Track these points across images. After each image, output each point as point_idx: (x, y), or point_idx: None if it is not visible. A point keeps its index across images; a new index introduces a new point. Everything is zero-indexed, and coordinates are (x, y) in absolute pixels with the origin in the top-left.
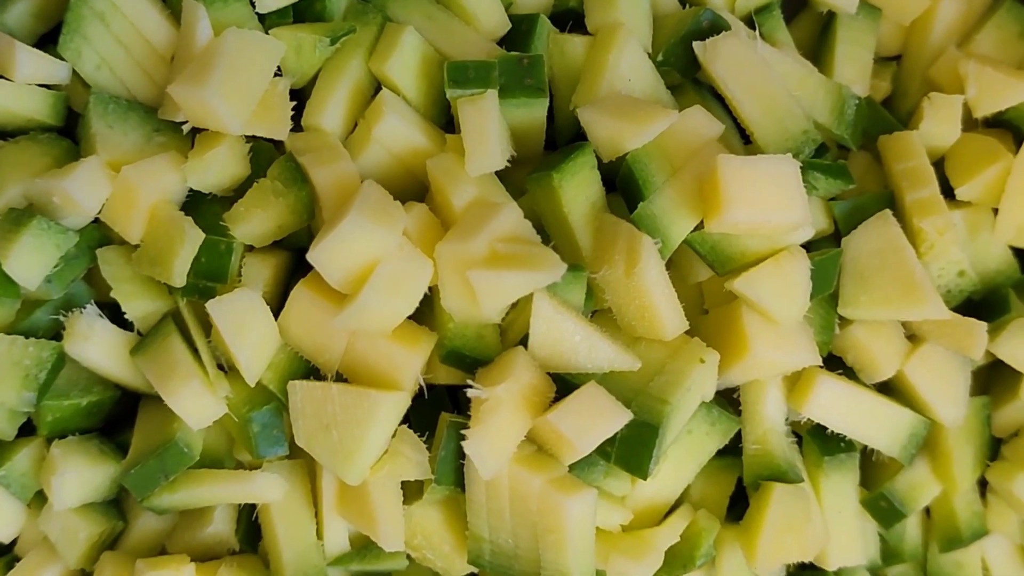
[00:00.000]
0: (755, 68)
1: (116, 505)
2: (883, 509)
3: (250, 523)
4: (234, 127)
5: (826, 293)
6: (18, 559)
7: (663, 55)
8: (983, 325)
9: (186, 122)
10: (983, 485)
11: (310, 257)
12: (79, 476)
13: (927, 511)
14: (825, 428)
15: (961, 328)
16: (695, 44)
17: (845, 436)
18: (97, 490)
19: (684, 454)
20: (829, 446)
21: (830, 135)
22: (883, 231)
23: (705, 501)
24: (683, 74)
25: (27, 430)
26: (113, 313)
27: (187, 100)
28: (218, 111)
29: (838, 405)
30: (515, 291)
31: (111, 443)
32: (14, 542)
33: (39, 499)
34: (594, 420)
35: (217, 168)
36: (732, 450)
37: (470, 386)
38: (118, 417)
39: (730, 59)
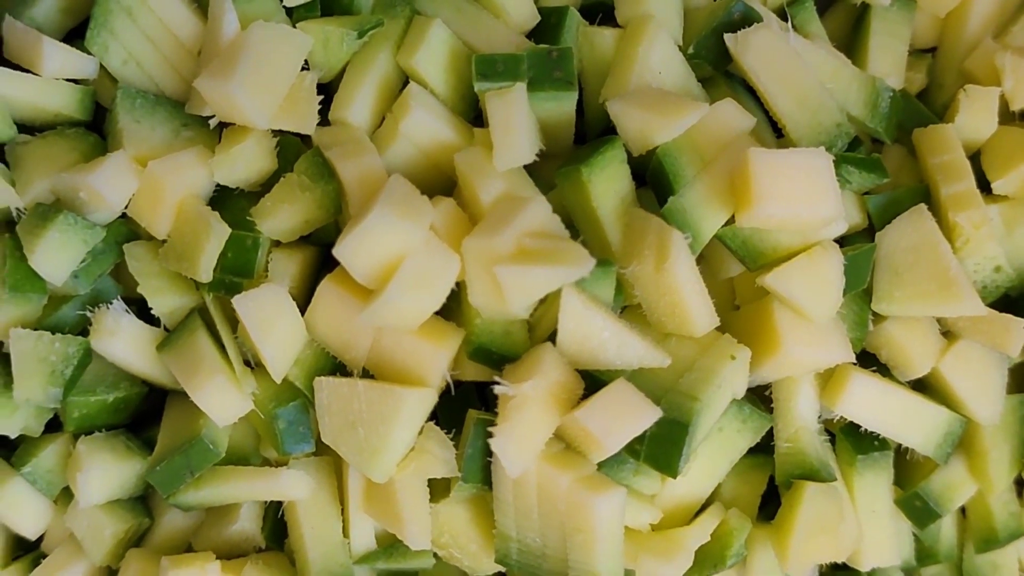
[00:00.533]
0: (787, 60)
1: (143, 502)
2: (918, 509)
3: (276, 520)
4: (261, 121)
5: (859, 289)
6: (44, 556)
7: (694, 47)
8: (1021, 321)
9: (213, 116)
10: (1020, 485)
11: (336, 252)
12: (105, 472)
13: (962, 511)
14: (858, 426)
15: (998, 324)
16: (726, 36)
17: (879, 434)
18: (123, 487)
19: (715, 452)
20: (863, 444)
21: (864, 128)
22: (918, 226)
23: (736, 500)
24: (714, 67)
25: (53, 426)
26: (140, 309)
27: (214, 94)
28: (244, 105)
29: (872, 403)
30: (543, 286)
31: (138, 439)
32: (40, 539)
33: (65, 496)
34: (623, 417)
35: (244, 163)
36: (764, 448)
37: (497, 383)
38: (145, 413)
39: (762, 51)
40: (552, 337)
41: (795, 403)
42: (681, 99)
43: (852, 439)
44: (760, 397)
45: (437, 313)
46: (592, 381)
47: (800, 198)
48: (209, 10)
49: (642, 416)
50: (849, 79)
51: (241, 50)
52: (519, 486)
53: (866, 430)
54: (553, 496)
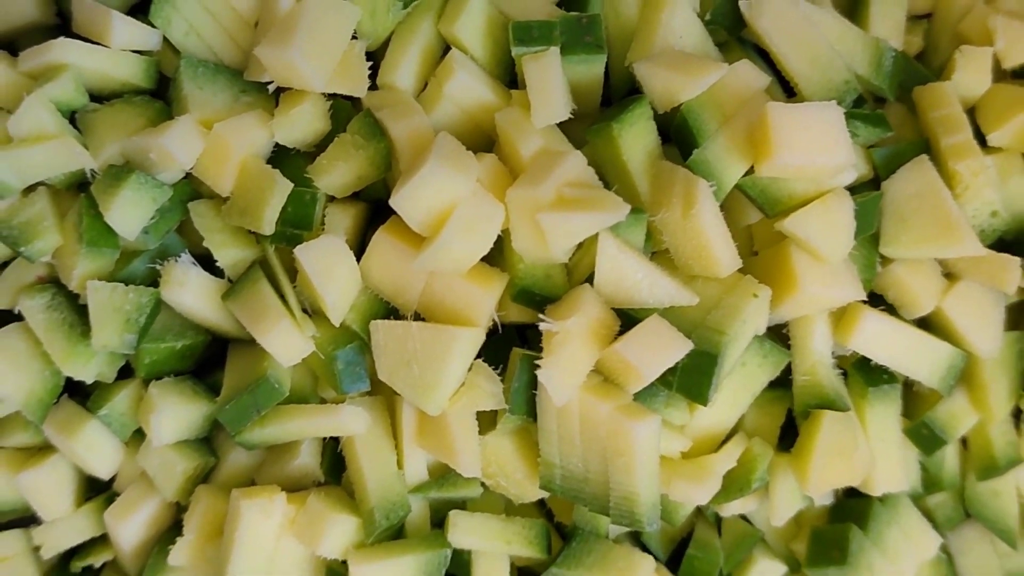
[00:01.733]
0: (799, 23)
1: (207, 442)
2: (925, 436)
3: (335, 455)
4: (318, 85)
5: (868, 233)
6: (116, 495)
7: (711, 14)
8: (1016, 260)
9: (271, 82)
10: (1017, 417)
11: (393, 203)
12: (175, 414)
13: (964, 443)
14: (869, 361)
15: (996, 264)
16: (741, 3)
17: (888, 368)
18: (191, 428)
19: (738, 385)
20: (873, 378)
21: (869, 86)
22: (921, 174)
23: (758, 430)
24: (729, 32)
25: (123, 373)
26: (202, 262)
27: (273, 61)
28: (303, 70)
29: (881, 339)
30: (582, 231)
31: (202, 384)
32: (113, 479)
33: (135, 438)
34: (658, 350)
35: (302, 124)
36: (782, 383)
37: (541, 322)
38: (207, 360)
39: (775, 15)
40: (589, 279)
41: (811, 339)
42: (703, 60)
43: (863, 373)
44: (778, 335)
45: (483, 259)
46: (627, 319)
47: (814, 148)
48: None
49: (675, 348)
50: (855, 40)
51: (297, 20)
52: (563, 415)
53: (876, 364)
54: (594, 423)
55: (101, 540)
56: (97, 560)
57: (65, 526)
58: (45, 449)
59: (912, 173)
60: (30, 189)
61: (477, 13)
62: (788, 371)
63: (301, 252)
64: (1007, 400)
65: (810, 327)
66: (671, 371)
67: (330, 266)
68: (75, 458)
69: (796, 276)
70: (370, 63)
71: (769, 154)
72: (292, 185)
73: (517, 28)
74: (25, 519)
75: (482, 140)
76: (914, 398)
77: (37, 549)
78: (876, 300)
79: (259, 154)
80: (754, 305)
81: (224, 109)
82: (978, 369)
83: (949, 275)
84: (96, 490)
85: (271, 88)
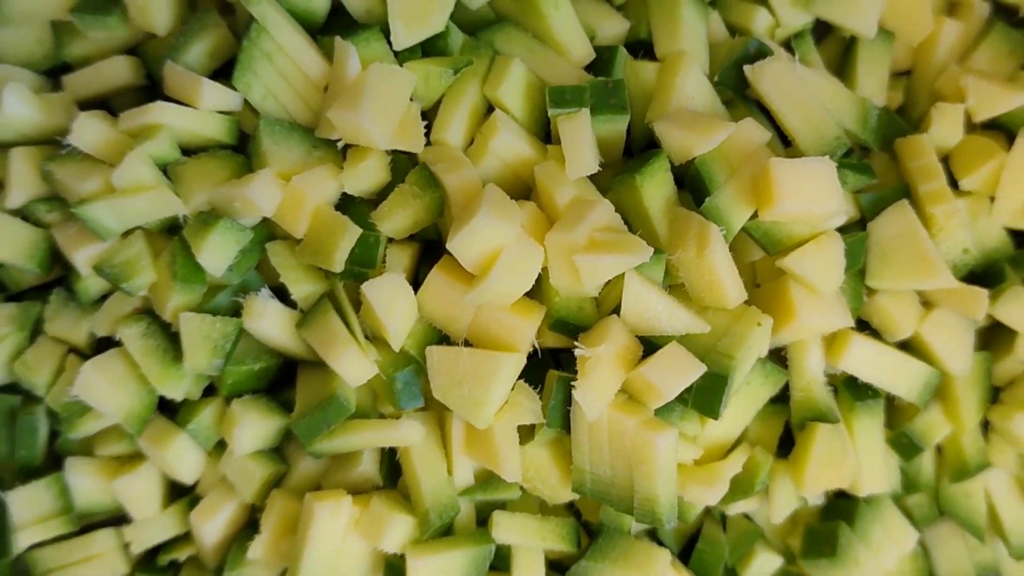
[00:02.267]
0: (795, 85)
1: (279, 452)
2: (904, 445)
3: (392, 463)
4: (382, 143)
5: (856, 268)
6: (198, 497)
7: (719, 76)
8: (984, 292)
9: (340, 140)
10: (984, 427)
11: (449, 246)
12: (254, 427)
13: (939, 449)
14: (856, 379)
15: (967, 295)
16: (745, 68)
17: (872, 386)
18: (267, 439)
19: (743, 401)
20: (860, 394)
21: (856, 139)
22: (901, 217)
23: (760, 440)
24: (735, 92)
25: (206, 392)
26: (278, 295)
27: (343, 122)
28: (369, 131)
29: (867, 360)
30: (611, 271)
31: (275, 400)
32: (195, 484)
33: (216, 448)
34: (677, 372)
35: (367, 176)
36: (781, 398)
37: (574, 347)
38: (278, 380)
39: (774, 79)
40: (616, 310)
41: (806, 361)
42: (713, 119)
43: (851, 390)
44: (777, 358)
45: (524, 294)
46: (649, 345)
47: (811, 197)
48: (335, 55)
49: (691, 371)
50: (844, 99)
51: (363, 86)
52: (593, 429)
53: (862, 382)
54: (621, 436)
55: (184, 537)
56: (181, 555)
57: (153, 525)
58: (135, 457)
59: (894, 216)
60: (128, 232)
61: (517, 79)
62: (786, 388)
63: (368, 288)
64: (976, 412)
65: (805, 350)
66: (687, 390)
67: (392, 299)
68: (164, 466)
69: (794, 307)
70: (424, 122)
71: (772, 202)
72: (360, 230)
73: (553, 92)
74: (116, 519)
75: (521, 189)
76: (895, 411)
77: (127, 546)
78: (863, 326)
79: (329, 202)
80: (758, 332)
81: (298, 163)
82: (951, 386)
83: (926, 303)
84: (179, 493)
85: (340, 144)
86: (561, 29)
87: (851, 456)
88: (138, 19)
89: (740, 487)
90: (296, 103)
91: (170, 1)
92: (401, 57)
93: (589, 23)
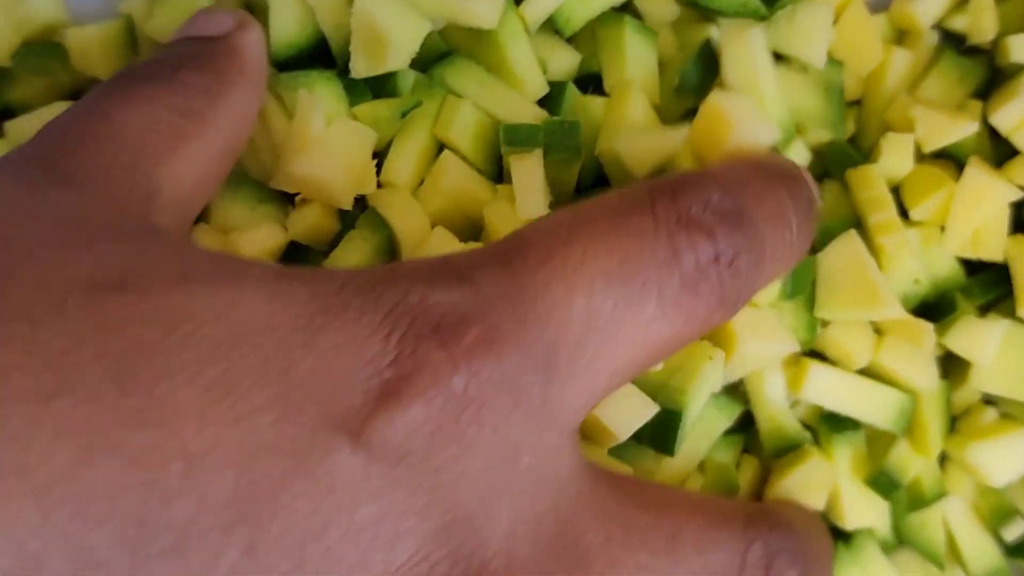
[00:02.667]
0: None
1: None
2: (884, 484)
3: None
4: (345, 202)
5: (804, 295)
6: None
7: (679, 80)
8: (930, 325)
9: (298, 194)
10: (940, 457)
11: None
12: None
13: None
14: (836, 414)
15: (913, 326)
16: (713, 31)
17: (851, 418)
18: None
19: (698, 435)
20: (838, 426)
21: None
22: (850, 248)
23: (715, 470)
24: (697, 93)
25: None
26: None
27: (303, 177)
28: (335, 189)
29: (830, 388)
30: None
31: None
32: None
33: None
34: (629, 412)
35: (318, 227)
36: (737, 430)
37: None
38: None
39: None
40: None
41: (765, 392)
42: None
43: (828, 423)
44: (737, 392)
45: None
46: None
47: None
48: (297, 112)
49: (644, 410)
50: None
51: (328, 144)
52: None
53: (842, 416)
54: None
55: None
56: None
57: None
58: None
59: (843, 246)
60: None
61: (468, 119)
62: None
63: None
64: (939, 442)
65: (761, 381)
66: (642, 428)
67: None
68: None
69: (734, 335)
70: (374, 159)
71: None
72: None
73: (507, 130)
74: None
75: (471, 229)
76: (871, 441)
77: None
78: (818, 359)
79: (274, 252)
80: (710, 366)
81: (242, 218)
82: (919, 415)
83: (879, 331)
84: None
85: (298, 200)
86: (518, 62)
87: (828, 484)
88: (79, 64)
89: None
90: (250, 157)
91: (112, 45)
92: (351, 99)
93: (541, 56)
